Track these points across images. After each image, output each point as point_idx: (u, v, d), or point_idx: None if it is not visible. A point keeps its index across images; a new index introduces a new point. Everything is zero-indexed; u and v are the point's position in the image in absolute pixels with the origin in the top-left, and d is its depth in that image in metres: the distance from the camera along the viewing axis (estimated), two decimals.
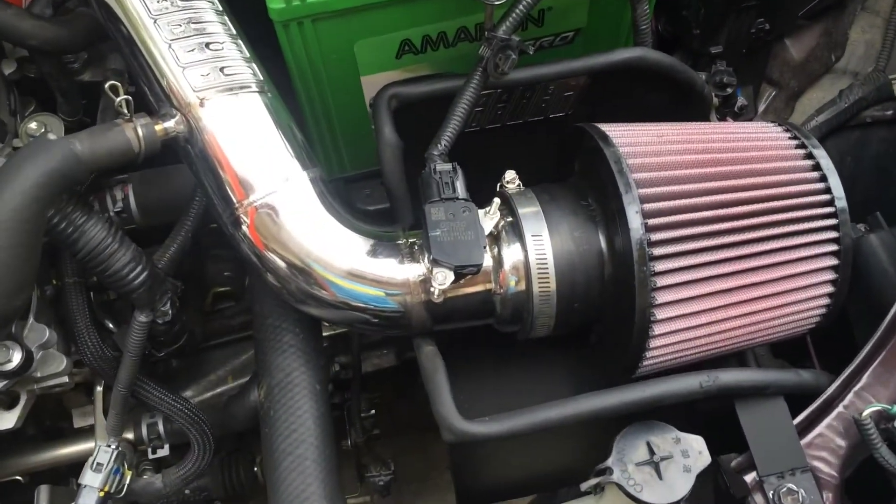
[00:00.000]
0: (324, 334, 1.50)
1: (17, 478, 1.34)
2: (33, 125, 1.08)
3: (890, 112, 1.39)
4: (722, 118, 1.33)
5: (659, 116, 1.14)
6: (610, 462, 0.91)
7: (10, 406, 1.10)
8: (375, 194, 1.43)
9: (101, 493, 1.13)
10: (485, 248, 0.96)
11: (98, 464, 1.14)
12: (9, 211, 0.84)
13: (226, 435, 1.35)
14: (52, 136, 0.86)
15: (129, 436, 1.31)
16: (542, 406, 0.94)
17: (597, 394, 0.94)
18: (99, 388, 1.25)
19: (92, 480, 1.13)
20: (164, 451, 1.33)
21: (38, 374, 1.09)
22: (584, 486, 0.94)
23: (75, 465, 1.30)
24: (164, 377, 1.39)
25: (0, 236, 0.83)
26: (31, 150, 0.86)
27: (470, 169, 1.04)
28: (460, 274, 0.95)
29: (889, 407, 0.89)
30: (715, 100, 1.30)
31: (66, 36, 1.10)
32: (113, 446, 1.17)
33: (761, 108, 1.44)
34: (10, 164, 0.86)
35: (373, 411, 1.68)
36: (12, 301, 0.88)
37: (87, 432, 1.37)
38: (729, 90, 1.27)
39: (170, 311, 1.10)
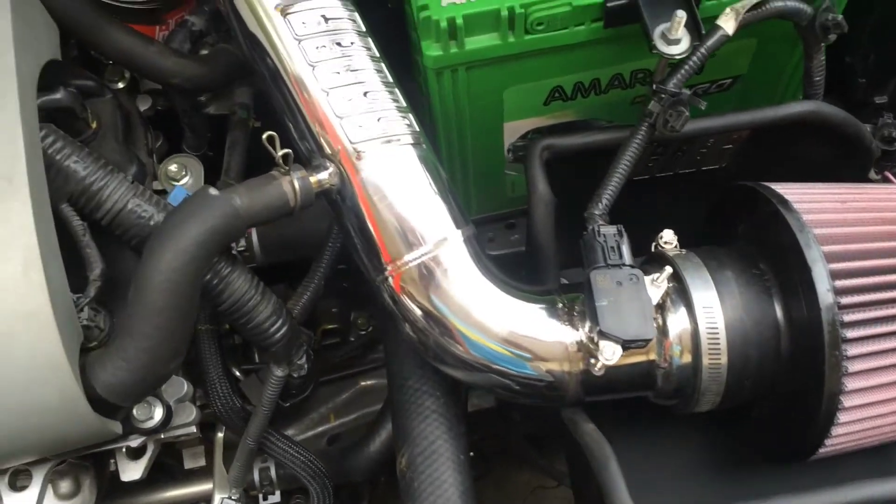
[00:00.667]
0: None
1: None
2: (173, 167, 1.05)
3: None
4: (879, 172, 1.25)
5: (815, 169, 1.07)
6: None
7: (135, 456, 1.07)
8: (498, 239, 1.39)
9: None
10: (653, 319, 0.90)
11: None
12: (168, 271, 0.80)
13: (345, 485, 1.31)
14: (213, 191, 0.82)
15: None
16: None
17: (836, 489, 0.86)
18: (220, 435, 1.21)
19: None
20: (275, 498, 1.30)
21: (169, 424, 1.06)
22: None
23: None
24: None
25: (157, 298, 0.80)
26: (192, 206, 0.83)
27: (612, 221, 0.98)
28: (627, 347, 0.89)
29: None
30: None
31: (208, 74, 1.07)
32: (235, 497, 1.13)
33: None
34: (172, 221, 0.82)
35: (472, 453, 1.62)
36: (167, 366, 0.84)
37: (198, 475, 1.33)
38: None
39: (305, 366, 1.06)
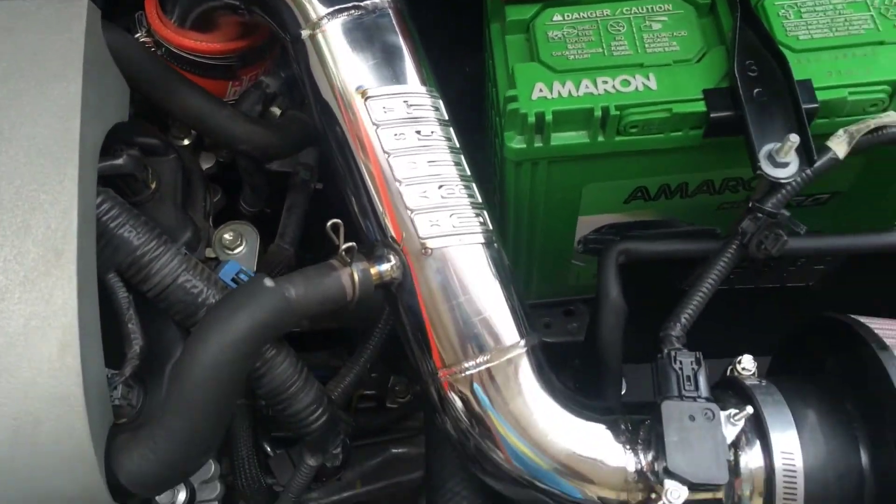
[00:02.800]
0: None
1: None
2: (228, 236, 1.02)
3: None
4: None
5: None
6: None
7: None
8: (555, 326, 1.33)
9: None
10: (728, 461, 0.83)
11: None
12: (212, 366, 0.76)
13: None
14: (268, 282, 0.78)
15: None
16: None
17: None
18: None
19: None
20: None
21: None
22: None
23: None
24: None
25: (197, 393, 0.76)
26: (244, 297, 0.79)
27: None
28: (695, 489, 0.82)
29: None
30: None
31: (277, 143, 1.04)
32: None
33: None
34: (221, 313, 0.78)
35: None
36: (197, 462, 0.80)
37: None
38: None
39: (340, 456, 1.00)
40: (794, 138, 0.83)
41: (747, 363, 0.94)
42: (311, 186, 1.20)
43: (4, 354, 0.71)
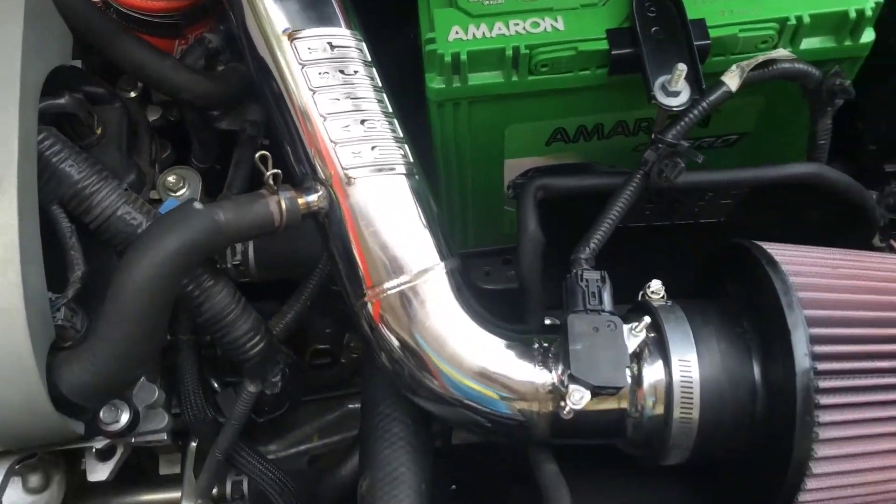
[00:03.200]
0: None
1: None
2: (172, 179, 1.08)
3: None
4: (884, 240, 1.24)
5: (816, 233, 1.07)
6: None
7: (104, 458, 1.08)
8: (494, 274, 1.39)
9: None
10: (627, 368, 0.90)
11: None
12: (143, 281, 0.82)
13: None
14: (197, 205, 0.84)
15: (213, 491, 1.28)
16: None
17: None
18: (193, 445, 1.23)
19: None
20: None
21: (139, 429, 1.08)
22: None
23: None
24: (248, 431, 1.37)
25: (130, 306, 0.82)
26: (173, 218, 0.85)
27: (603, 266, 0.99)
28: (597, 394, 0.89)
29: None
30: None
31: (217, 92, 1.11)
32: None
33: None
34: (152, 232, 0.84)
35: (453, 487, 1.62)
36: (132, 372, 0.86)
37: (173, 481, 1.35)
38: None
39: (279, 384, 1.07)
40: (682, 67, 0.90)
41: (655, 286, 1.01)
42: (258, 142, 1.27)
43: None
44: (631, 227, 1.17)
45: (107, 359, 0.83)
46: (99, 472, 1.08)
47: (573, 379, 0.88)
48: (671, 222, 1.17)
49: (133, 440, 1.10)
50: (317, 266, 1.15)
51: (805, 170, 1.05)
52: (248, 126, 1.24)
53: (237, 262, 1.25)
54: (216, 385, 1.18)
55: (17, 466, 1.01)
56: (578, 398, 0.88)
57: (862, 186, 1.09)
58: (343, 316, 1.52)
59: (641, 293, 1.02)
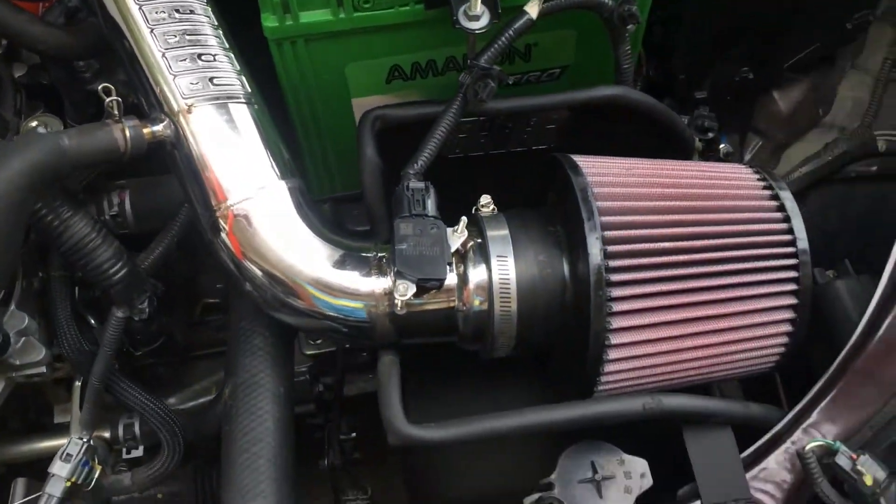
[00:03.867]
0: (309, 352, 1.55)
1: None
2: (34, 124, 1.15)
3: (874, 168, 1.43)
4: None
5: (640, 155, 1.19)
6: (553, 478, 0.93)
7: None
8: (362, 217, 1.49)
9: (68, 483, 1.16)
10: (450, 264, 1.01)
11: (67, 454, 1.18)
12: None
13: (202, 441, 1.38)
14: (41, 130, 0.92)
15: (106, 434, 1.34)
16: (488, 416, 0.97)
17: (541, 408, 0.97)
18: (77, 384, 1.29)
19: (60, 470, 1.16)
20: (138, 452, 1.37)
21: (17, 362, 1.14)
22: (527, 501, 0.97)
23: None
24: (150, 383, 1.44)
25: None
26: (19, 142, 0.93)
27: (452, 195, 1.09)
28: (423, 287, 0.99)
29: (832, 443, 0.91)
30: (698, 143, 1.34)
31: (73, 43, 1.18)
32: (84, 439, 1.21)
33: (747, 157, 1.48)
34: (9, 146, 0.92)
35: (353, 434, 1.70)
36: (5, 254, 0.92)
37: (67, 428, 1.41)
38: (710, 134, 1.31)
39: (146, 310, 1.15)
40: None
41: (485, 201, 1.11)
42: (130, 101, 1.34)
43: None
44: (472, 156, 1.29)
45: None
46: None
47: (399, 275, 0.98)
48: (506, 150, 1.28)
49: (14, 374, 1.17)
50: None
51: (611, 91, 1.18)
52: (119, 85, 1.32)
53: (114, 213, 1.32)
54: (94, 322, 1.25)
55: None
56: (404, 290, 0.98)
57: (668, 108, 1.22)
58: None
59: (474, 208, 1.13)
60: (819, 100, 1.46)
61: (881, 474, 0.88)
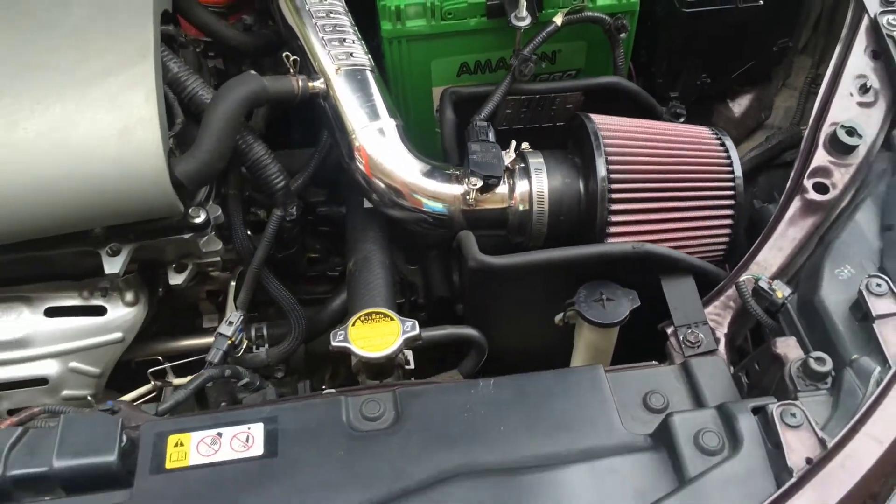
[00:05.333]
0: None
1: (158, 357, 1.78)
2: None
3: None
4: None
5: None
6: (574, 299, 1.36)
7: (179, 271, 1.59)
8: None
9: (230, 342, 1.58)
10: (504, 171, 1.47)
11: (230, 321, 1.60)
12: (223, 111, 1.38)
13: (310, 336, 1.78)
14: (253, 73, 1.41)
15: (240, 338, 1.76)
16: (538, 251, 1.41)
17: (574, 247, 1.40)
18: (233, 284, 1.72)
19: (225, 330, 1.58)
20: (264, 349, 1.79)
21: (204, 250, 1.59)
22: (557, 319, 1.39)
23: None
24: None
25: (215, 125, 1.37)
26: (241, 79, 1.42)
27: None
28: (487, 184, 1.45)
29: (757, 276, 1.34)
30: None
31: (250, 43, 1.70)
32: (238, 319, 1.63)
33: None
34: (229, 85, 1.41)
35: None
36: (216, 166, 1.39)
37: (211, 332, 1.82)
38: (682, 119, 1.79)
39: (294, 213, 1.60)
40: (524, 2, 1.53)
41: (525, 145, 1.59)
42: None
43: (121, 105, 1.32)
44: (514, 128, 1.77)
45: (202, 155, 1.36)
46: (176, 280, 1.57)
47: (472, 173, 1.45)
48: (538, 125, 1.77)
49: (198, 261, 1.61)
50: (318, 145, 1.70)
51: (610, 80, 1.68)
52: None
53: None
54: (249, 233, 1.70)
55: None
56: (475, 183, 1.44)
57: (648, 94, 1.71)
58: (332, 238, 2.03)
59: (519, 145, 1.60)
60: (761, 107, 1.96)
61: (787, 291, 1.30)
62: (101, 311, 1.57)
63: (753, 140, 1.97)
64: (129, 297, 1.59)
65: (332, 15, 1.55)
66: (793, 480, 1.00)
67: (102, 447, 1.13)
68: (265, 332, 1.75)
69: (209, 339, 1.77)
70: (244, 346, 1.65)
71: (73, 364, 1.58)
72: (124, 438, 1.15)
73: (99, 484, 1.12)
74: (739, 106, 1.94)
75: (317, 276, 2.00)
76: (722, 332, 1.36)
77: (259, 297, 1.70)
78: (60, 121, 1.32)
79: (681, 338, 1.34)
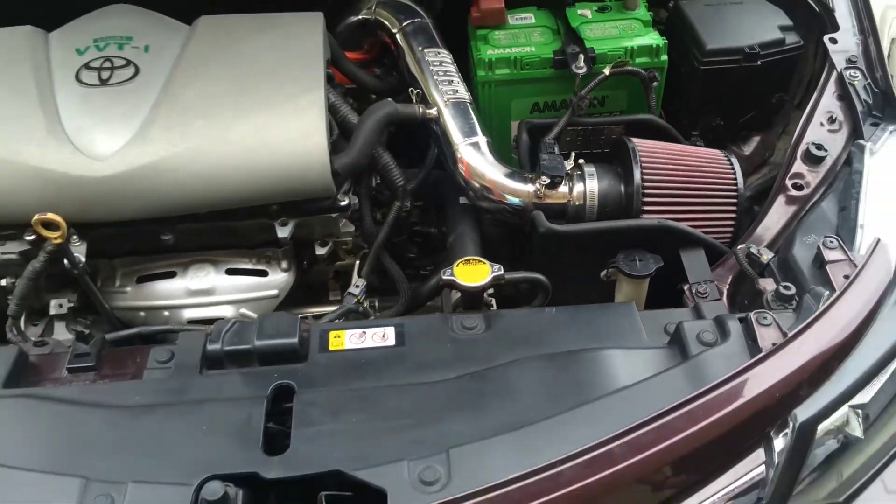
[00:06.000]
0: None
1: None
2: None
3: None
4: None
5: None
6: (615, 260, 1.86)
7: (323, 245, 2.12)
8: None
9: (357, 300, 2.10)
10: (565, 174, 2.00)
11: (356, 286, 2.12)
12: (370, 124, 1.95)
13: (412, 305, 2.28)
14: (390, 101, 1.99)
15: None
16: (595, 222, 1.92)
17: (614, 220, 1.91)
18: (357, 263, 2.25)
19: (353, 291, 2.10)
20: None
21: (342, 231, 2.12)
22: (602, 274, 1.88)
23: None
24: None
25: (365, 133, 1.94)
26: (381, 103, 2.00)
27: None
28: (552, 181, 1.98)
29: (749, 245, 1.81)
30: None
31: (382, 87, 2.29)
32: (364, 281, 2.15)
33: None
34: (373, 106, 1.99)
35: None
36: (364, 160, 1.95)
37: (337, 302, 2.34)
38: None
39: (409, 206, 2.14)
40: (582, 56, 2.08)
41: (582, 161, 2.12)
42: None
43: (300, 118, 1.89)
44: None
45: (354, 153, 1.93)
46: (320, 251, 2.11)
47: (542, 173, 1.98)
48: (590, 150, 2.30)
49: (333, 240, 2.14)
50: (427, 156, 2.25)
51: (644, 117, 2.21)
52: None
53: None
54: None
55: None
56: (546, 180, 1.97)
57: (675, 130, 2.24)
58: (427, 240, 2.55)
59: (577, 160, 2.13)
60: (766, 148, 2.45)
61: (770, 254, 1.77)
62: (263, 273, 2.09)
63: (759, 174, 2.46)
64: (284, 265, 2.12)
65: (443, 64, 2.14)
66: (762, 354, 1.45)
67: (288, 332, 1.62)
68: (377, 304, 2.27)
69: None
70: (361, 311, 2.16)
71: (242, 310, 2.10)
72: (302, 328, 1.67)
73: (284, 359, 1.62)
74: (748, 147, 2.43)
75: (413, 273, 2.54)
76: (724, 288, 1.82)
77: (371, 285, 2.22)
78: (260, 127, 1.89)
79: (693, 291, 1.81)
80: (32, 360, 1.69)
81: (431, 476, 1.31)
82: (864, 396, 1.43)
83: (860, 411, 1.46)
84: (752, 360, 1.43)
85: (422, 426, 1.43)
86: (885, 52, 1.98)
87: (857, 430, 1.44)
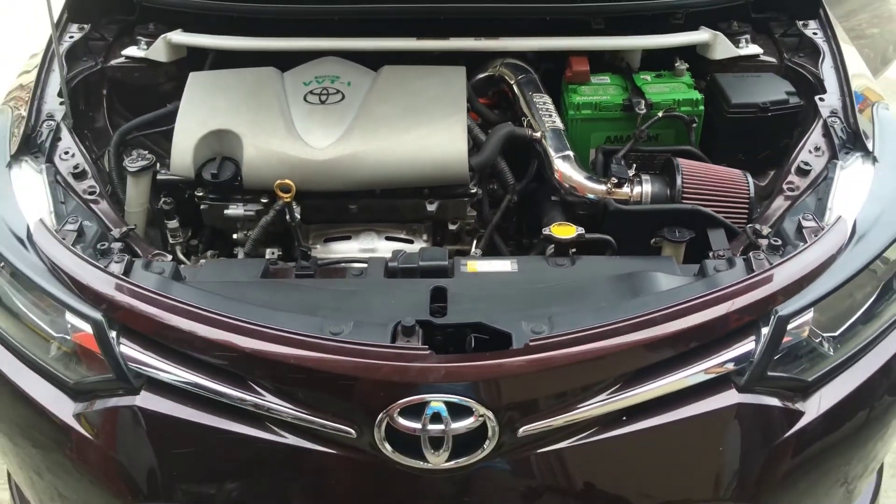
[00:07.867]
0: None
1: None
2: None
3: None
4: None
5: None
6: (661, 231, 2.59)
7: (453, 224, 2.92)
8: None
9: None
10: (628, 179, 2.76)
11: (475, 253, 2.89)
12: (497, 137, 2.78)
13: None
14: (509, 123, 2.81)
15: None
16: (647, 205, 2.67)
17: (663, 205, 2.65)
18: (475, 241, 3.02)
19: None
20: None
21: (467, 214, 2.91)
22: (652, 241, 2.61)
23: None
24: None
25: (493, 141, 2.76)
26: (504, 124, 2.83)
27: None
28: (619, 182, 2.74)
29: (753, 225, 2.52)
30: None
31: (502, 122, 3.12)
32: (479, 252, 2.91)
33: None
34: (498, 126, 2.82)
35: None
36: (490, 161, 2.76)
37: None
38: None
39: (515, 199, 2.92)
40: (642, 103, 2.88)
41: (639, 172, 2.88)
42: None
43: (449, 131, 2.73)
44: None
45: (485, 155, 2.74)
46: (451, 227, 2.90)
47: (612, 176, 2.75)
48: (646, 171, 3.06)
49: (462, 220, 2.92)
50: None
51: (685, 148, 2.97)
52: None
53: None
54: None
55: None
56: (613, 181, 2.74)
57: (708, 160, 2.99)
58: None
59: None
60: (776, 180, 3.17)
61: (769, 229, 2.49)
62: (410, 241, 2.88)
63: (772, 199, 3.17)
64: (424, 237, 2.91)
65: (545, 104, 2.96)
66: (754, 273, 2.14)
67: (440, 257, 2.41)
68: None
69: None
70: None
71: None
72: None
73: (438, 274, 2.39)
74: (763, 179, 3.15)
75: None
76: (737, 256, 2.53)
77: None
78: (422, 135, 2.73)
79: (715, 256, 2.52)
80: (272, 269, 2.50)
81: (539, 329, 2.03)
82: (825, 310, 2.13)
83: (821, 315, 2.15)
84: (748, 276, 2.13)
85: (533, 308, 2.17)
86: (857, 108, 2.72)
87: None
